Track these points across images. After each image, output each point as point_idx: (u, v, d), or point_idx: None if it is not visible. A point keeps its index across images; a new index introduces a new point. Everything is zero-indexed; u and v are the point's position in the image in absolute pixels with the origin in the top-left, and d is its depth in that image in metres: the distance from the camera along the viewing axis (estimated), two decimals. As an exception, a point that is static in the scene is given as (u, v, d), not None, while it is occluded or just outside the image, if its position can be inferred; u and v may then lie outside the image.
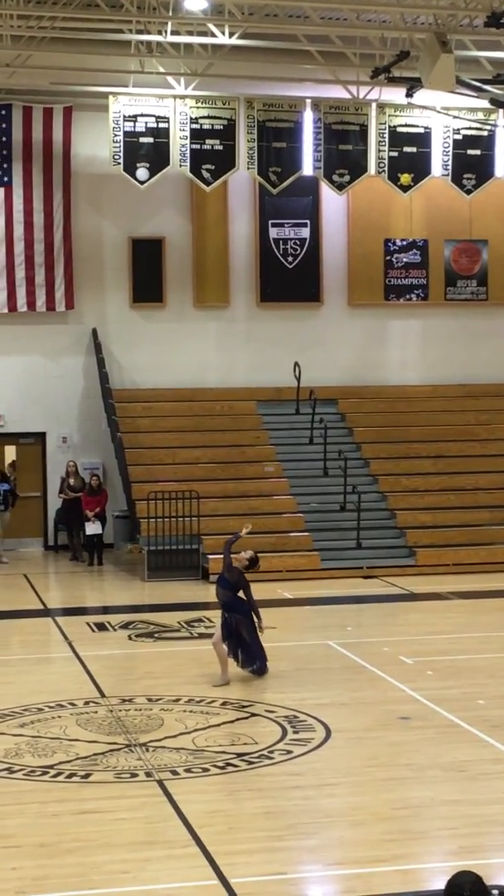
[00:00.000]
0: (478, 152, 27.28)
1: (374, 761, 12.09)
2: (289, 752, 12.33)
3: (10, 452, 27.85)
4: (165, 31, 23.63)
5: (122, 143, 25.88)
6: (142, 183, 26.17)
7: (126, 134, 25.87)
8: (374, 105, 26.72)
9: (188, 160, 26.19)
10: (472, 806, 10.81)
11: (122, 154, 25.92)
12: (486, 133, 27.33)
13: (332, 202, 28.16)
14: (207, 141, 26.24)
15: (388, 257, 28.79)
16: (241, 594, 15.38)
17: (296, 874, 9.57)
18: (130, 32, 23.96)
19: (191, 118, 26.09)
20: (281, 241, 28.34)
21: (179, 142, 26.07)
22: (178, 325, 27.95)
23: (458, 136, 27.20)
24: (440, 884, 5.93)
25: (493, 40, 23.93)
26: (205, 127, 26.21)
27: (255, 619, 15.28)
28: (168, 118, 26.00)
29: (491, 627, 19.00)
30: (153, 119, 25.98)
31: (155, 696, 14.58)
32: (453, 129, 27.16)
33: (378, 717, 13.62)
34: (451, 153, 27.15)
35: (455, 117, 26.87)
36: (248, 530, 16.22)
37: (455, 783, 11.40)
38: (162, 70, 25.33)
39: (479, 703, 14.14)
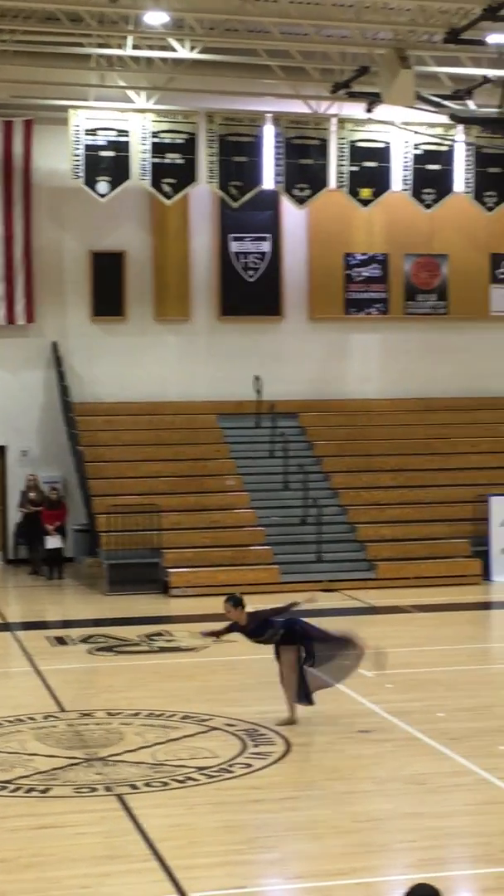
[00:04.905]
0: (437, 167, 27.44)
1: (335, 774, 12.09)
2: (249, 765, 12.30)
3: (-30, 466, 27.74)
4: (126, 45, 23.66)
5: (82, 157, 25.86)
6: (102, 196, 26.16)
7: (87, 147, 25.86)
8: (334, 120, 26.83)
9: (149, 174, 26.20)
10: (432, 819, 10.82)
11: (82, 167, 25.90)
12: (445, 148, 27.50)
13: (292, 216, 28.22)
14: (168, 155, 26.27)
15: (348, 271, 28.88)
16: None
17: (256, 888, 9.54)
18: (91, 46, 23.99)
19: (151, 132, 26.11)
20: (241, 255, 28.37)
21: (140, 155, 26.07)
22: (139, 338, 27.93)
23: (418, 151, 27.34)
24: (399, 896, 5.93)
25: (452, 56, 24.11)
26: (165, 141, 26.24)
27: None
28: (129, 132, 26.01)
29: (450, 640, 19.05)
30: (114, 133, 25.99)
31: (115, 710, 14.52)
32: (413, 145, 27.29)
33: (338, 731, 13.61)
34: (411, 168, 27.29)
35: (415, 132, 27.01)
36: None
37: (415, 796, 11.41)
38: (123, 84, 25.37)
39: (439, 716, 14.16)
